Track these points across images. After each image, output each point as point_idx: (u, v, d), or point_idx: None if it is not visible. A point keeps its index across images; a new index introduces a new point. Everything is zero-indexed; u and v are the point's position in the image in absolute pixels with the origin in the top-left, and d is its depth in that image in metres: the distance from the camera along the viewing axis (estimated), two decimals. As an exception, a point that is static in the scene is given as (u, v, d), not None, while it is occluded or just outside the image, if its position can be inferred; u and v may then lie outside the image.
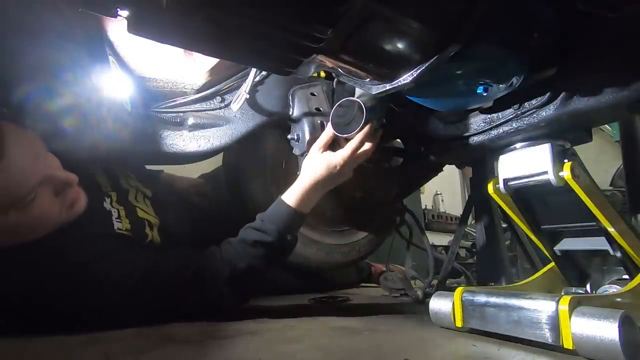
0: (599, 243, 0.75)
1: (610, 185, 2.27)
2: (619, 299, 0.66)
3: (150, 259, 0.85)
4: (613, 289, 0.75)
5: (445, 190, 4.02)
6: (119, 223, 0.87)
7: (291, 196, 0.90)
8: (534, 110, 0.72)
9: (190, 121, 0.96)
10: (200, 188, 1.33)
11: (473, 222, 1.34)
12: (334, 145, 0.95)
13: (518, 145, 0.78)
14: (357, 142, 0.90)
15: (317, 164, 0.91)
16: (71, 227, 0.80)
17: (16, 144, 0.71)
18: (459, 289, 0.76)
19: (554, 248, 0.82)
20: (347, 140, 0.93)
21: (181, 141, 0.94)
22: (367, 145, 0.92)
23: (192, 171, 1.39)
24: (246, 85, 0.94)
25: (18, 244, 0.74)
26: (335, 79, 1.08)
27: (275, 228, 0.87)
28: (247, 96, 0.94)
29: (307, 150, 1.00)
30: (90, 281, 0.76)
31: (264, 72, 0.99)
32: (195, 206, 1.25)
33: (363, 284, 1.72)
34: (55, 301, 0.75)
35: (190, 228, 1.07)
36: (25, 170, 0.72)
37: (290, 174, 1.12)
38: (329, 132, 0.93)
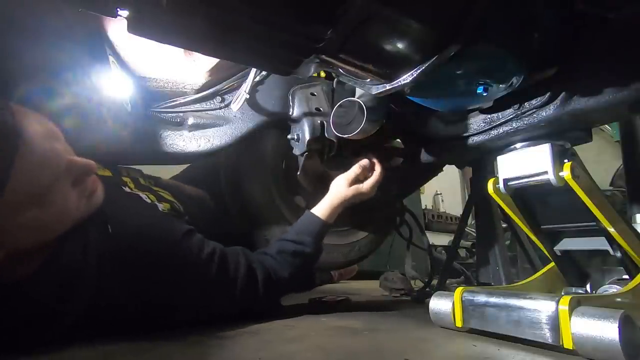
0: (599, 243, 0.75)
1: (610, 185, 2.27)
2: (619, 299, 0.66)
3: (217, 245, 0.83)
4: (613, 289, 0.75)
5: (445, 190, 4.02)
6: (159, 205, 0.85)
7: (320, 211, 0.98)
8: (534, 110, 0.72)
9: (190, 121, 0.96)
10: (204, 201, 1.26)
11: (473, 222, 1.34)
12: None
13: (518, 145, 0.78)
14: (380, 170, 1.04)
15: (347, 191, 1.01)
16: (118, 211, 0.73)
17: (32, 129, 0.60)
18: (459, 289, 0.76)
19: (554, 248, 0.82)
20: (349, 140, 0.95)
21: (181, 141, 0.94)
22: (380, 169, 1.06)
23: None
24: (246, 85, 0.94)
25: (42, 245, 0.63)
26: (335, 79, 1.08)
27: (311, 240, 0.94)
28: (247, 96, 0.94)
29: (307, 150, 1.00)
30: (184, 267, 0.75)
31: (264, 72, 0.99)
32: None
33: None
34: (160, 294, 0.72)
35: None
36: (46, 159, 0.61)
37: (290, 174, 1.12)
38: (357, 170, 1.02)
